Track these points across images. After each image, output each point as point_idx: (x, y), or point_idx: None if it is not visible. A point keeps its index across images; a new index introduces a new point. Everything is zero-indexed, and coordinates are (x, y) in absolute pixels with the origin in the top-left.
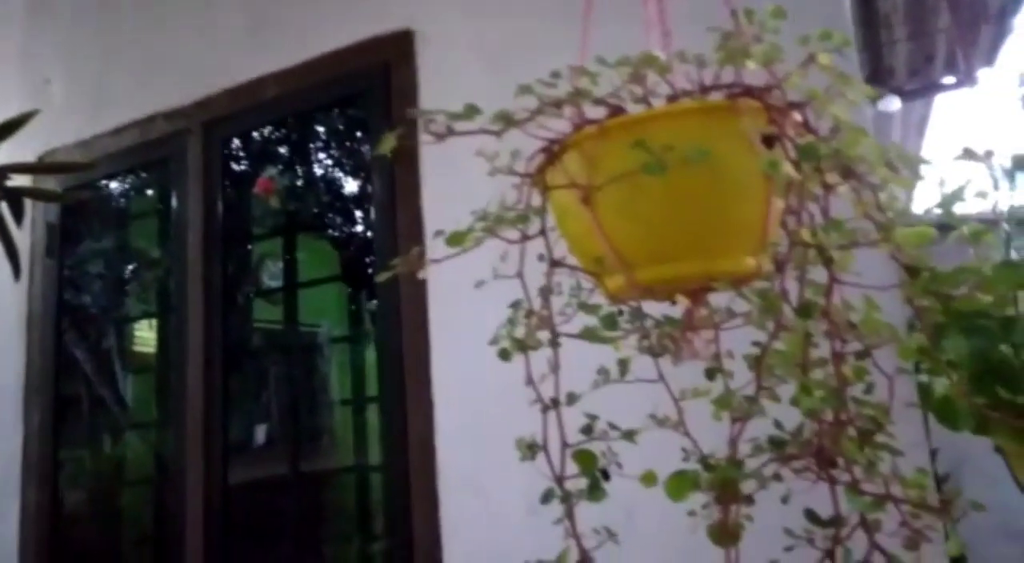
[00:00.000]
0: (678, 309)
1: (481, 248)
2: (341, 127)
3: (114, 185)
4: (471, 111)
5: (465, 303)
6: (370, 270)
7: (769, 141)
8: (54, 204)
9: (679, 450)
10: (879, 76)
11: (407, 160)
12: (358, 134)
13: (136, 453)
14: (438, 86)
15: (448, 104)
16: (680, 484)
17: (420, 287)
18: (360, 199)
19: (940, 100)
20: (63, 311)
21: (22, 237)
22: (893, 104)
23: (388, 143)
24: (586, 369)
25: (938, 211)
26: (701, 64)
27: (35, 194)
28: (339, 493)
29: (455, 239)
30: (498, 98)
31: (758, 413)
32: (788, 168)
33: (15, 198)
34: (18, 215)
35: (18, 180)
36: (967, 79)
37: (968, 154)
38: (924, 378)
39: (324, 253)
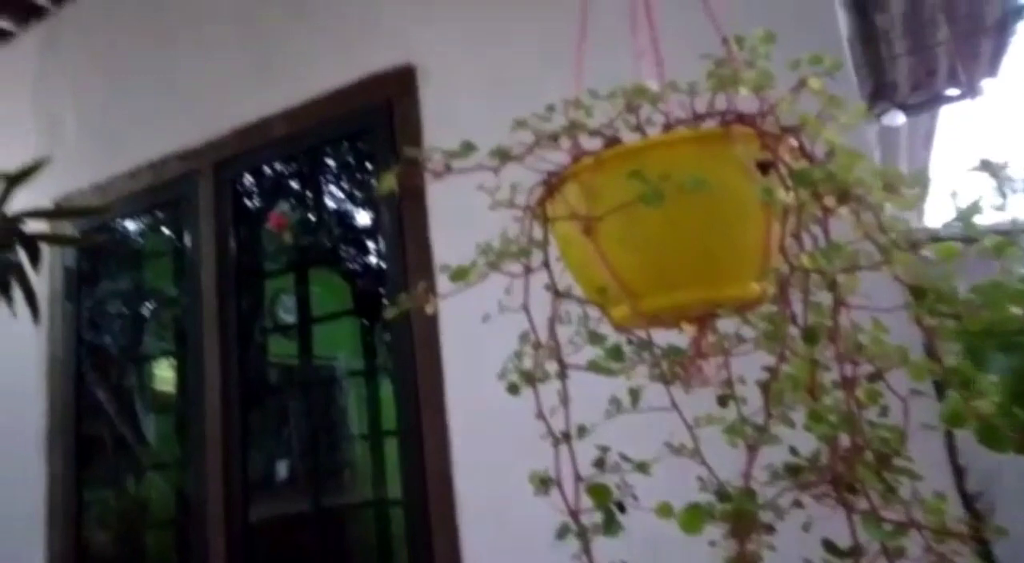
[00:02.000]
0: (686, 336)
1: (491, 280)
2: (350, 160)
3: (129, 226)
4: (467, 148)
5: (478, 335)
6: (383, 302)
7: (764, 167)
8: (71, 248)
9: (693, 479)
10: (882, 91)
11: (413, 193)
12: (366, 167)
13: (158, 493)
14: (441, 119)
15: (451, 136)
16: (694, 517)
17: (433, 320)
18: (370, 232)
19: (945, 112)
20: (83, 353)
21: (41, 281)
22: (898, 119)
23: (388, 182)
24: (598, 399)
25: (957, 224)
26: (693, 93)
27: (52, 239)
28: (360, 528)
29: (458, 275)
30: (500, 129)
31: (771, 441)
32: (783, 194)
33: (32, 244)
34: (35, 260)
35: (35, 225)
36: (970, 90)
37: (985, 166)
38: (952, 398)
39: (337, 286)
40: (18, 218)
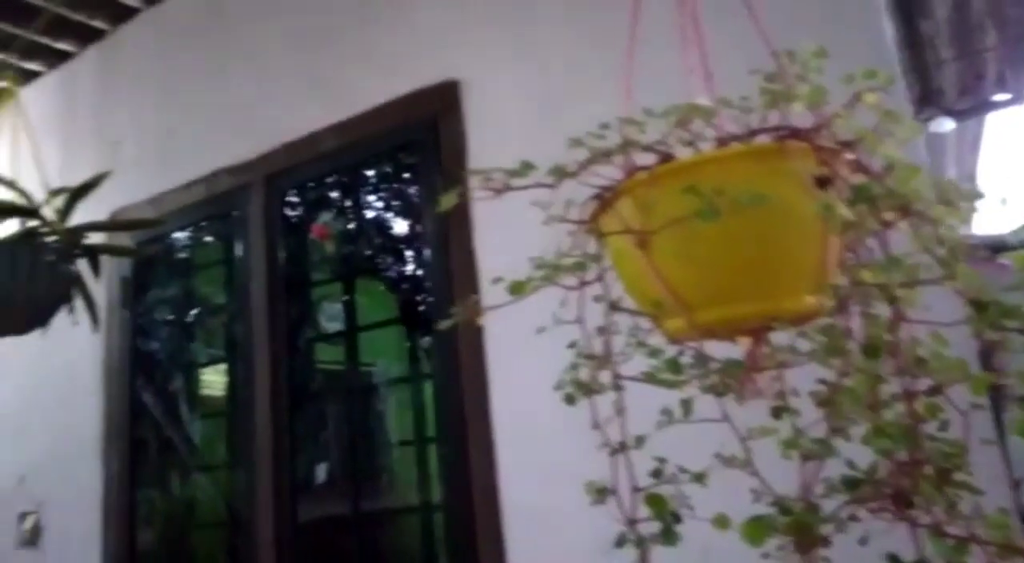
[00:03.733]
0: (738, 348)
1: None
2: (395, 173)
3: (182, 237)
4: (526, 167)
5: (522, 343)
6: (424, 309)
7: (822, 182)
8: (127, 258)
9: (745, 490)
10: (928, 97)
11: (458, 204)
12: (411, 179)
13: (208, 494)
14: (485, 133)
15: (494, 149)
16: (757, 529)
17: (477, 328)
18: (415, 242)
19: (993, 117)
20: (137, 359)
21: (98, 290)
22: (945, 125)
23: (450, 200)
24: (648, 410)
25: None
26: (747, 110)
27: (112, 250)
28: (403, 532)
29: (516, 289)
30: (543, 143)
31: (832, 455)
32: (843, 209)
33: (94, 255)
34: (96, 270)
35: (94, 237)
36: (1020, 96)
37: None
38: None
39: (381, 295)
40: (80, 230)
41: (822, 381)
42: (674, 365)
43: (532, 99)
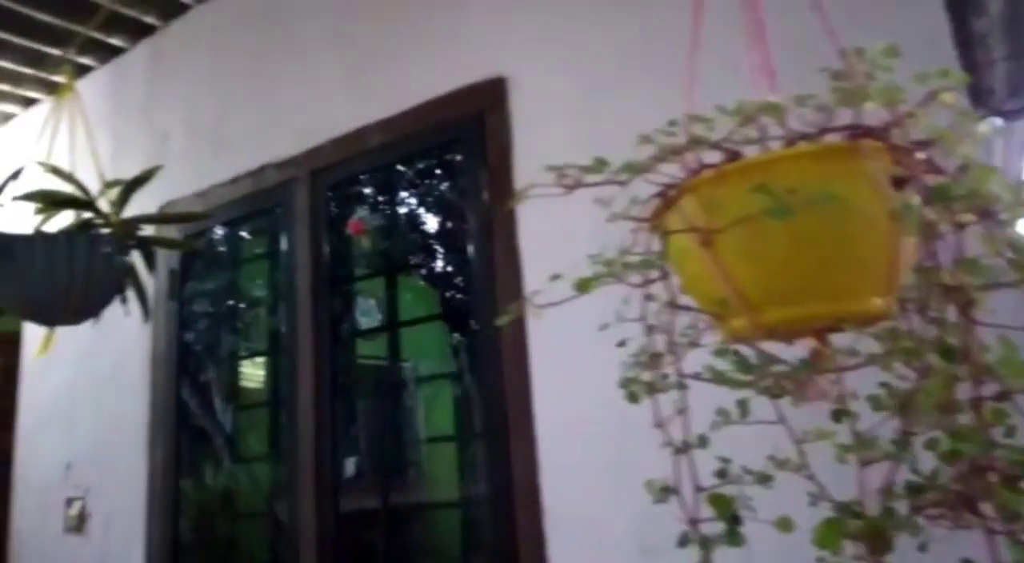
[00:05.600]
0: (792, 349)
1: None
2: (439, 169)
3: (228, 231)
4: (600, 164)
5: (566, 339)
6: (466, 305)
7: (899, 182)
8: (175, 251)
9: (793, 493)
10: (978, 97)
11: (503, 200)
12: (455, 176)
13: (249, 485)
14: (531, 130)
15: (541, 146)
16: (831, 533)
17: (520, 324)
18: (457, 238)
19: None
20: (183, 351)
21: (147, 281)
22: (995, 125)
23: (518, 198)
24: (699, 410)
25: None
26: (821, 108)
27: (164, 243)
28: (442, 527)
29: (582, 286)
30: (588, 139)
31: (910, 460)
32: (926, 210)
33: (147, 247)
34: (151, 263)
35: (145, 230)
36: None
37: None
38: None
39: (422, 291)
40: (135, 222)
41: (884, 384)
42: (744, 365)
43: (578, 97)
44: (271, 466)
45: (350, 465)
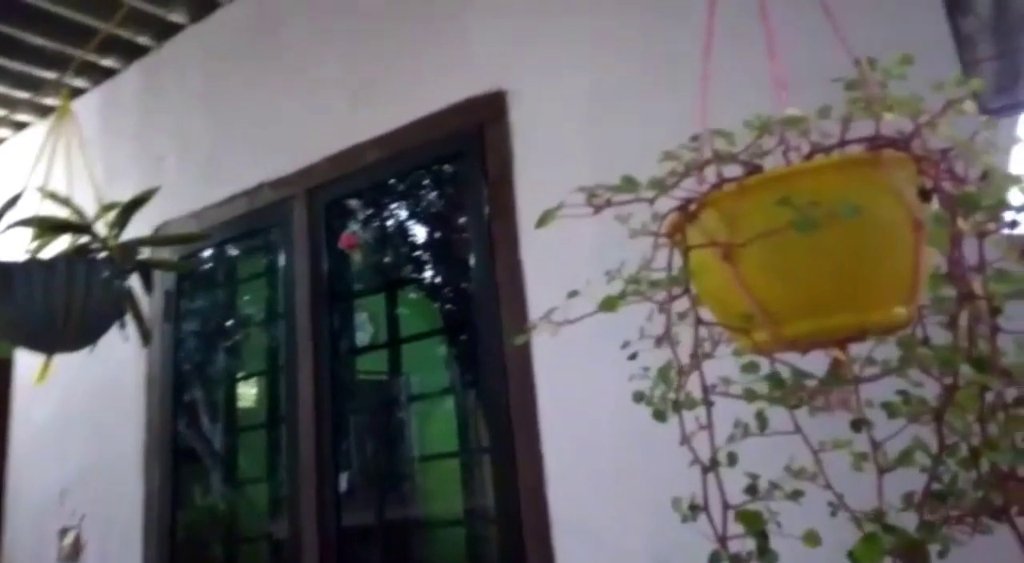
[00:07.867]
0: (807, 358)
1: (587, 301)
2: (438, 184)
3: (224, 251)
4: (629, 183)
5: (571, 353)
6: (468, 320)
7: (926, 194)
8: (170, 272)
9: (813, 503)
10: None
11: (504, 214)
12: (455, 190)
13: (249, 507)
14: (531, 143)
15: (540, 160)
16: (871, 548)
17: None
18: (458, 252)
19: None
20: (179, 373)
21: (144, 305)
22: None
23: (547, 219)
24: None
25: None
26: (845, 120)
27: (162, 265)
28: (448, 543)
29: (608, 304)
30: (588, 152)
31: (946, 471)
32: (957, 220)
33: (146, 270)
34: (149, 285)
35: (142, 252)
36: None
37: None
38: None
39: (423, 305)
40: (133, 246)
41: (901, 392)
42: (778, 382)
43: (578, 110)
44: (269, 487)
45: (350, 480)
